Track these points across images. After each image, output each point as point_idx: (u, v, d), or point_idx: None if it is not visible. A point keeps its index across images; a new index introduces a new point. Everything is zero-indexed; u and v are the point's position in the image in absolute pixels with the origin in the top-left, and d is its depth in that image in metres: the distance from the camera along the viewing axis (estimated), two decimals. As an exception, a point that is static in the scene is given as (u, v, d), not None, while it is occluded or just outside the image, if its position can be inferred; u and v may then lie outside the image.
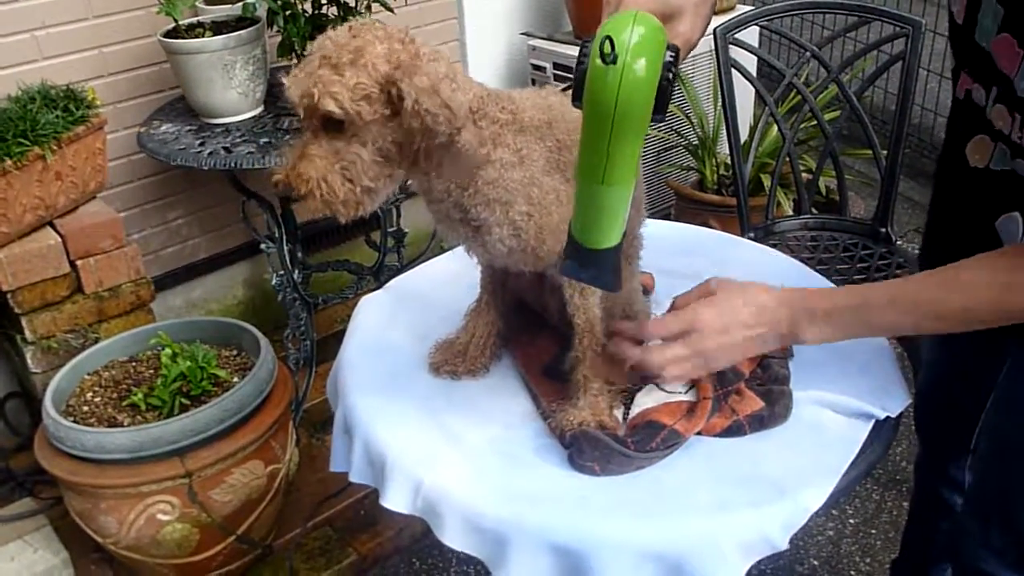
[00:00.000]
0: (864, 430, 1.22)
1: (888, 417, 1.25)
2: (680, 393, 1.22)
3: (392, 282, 1.61)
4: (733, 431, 1.22)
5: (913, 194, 3.83)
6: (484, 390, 1.33)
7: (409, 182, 1.17)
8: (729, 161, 3.22)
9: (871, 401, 1.25)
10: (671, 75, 0.92)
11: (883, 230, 2.40)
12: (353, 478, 1.26)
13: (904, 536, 1.86)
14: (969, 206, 1.21)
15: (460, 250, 1.66)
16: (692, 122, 3.19)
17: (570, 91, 0.99)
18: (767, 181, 2.80)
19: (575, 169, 1.02)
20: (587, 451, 1.15)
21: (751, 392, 1.25)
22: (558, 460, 1.19)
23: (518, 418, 1.27)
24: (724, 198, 3.04)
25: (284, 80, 1.06)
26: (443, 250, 3.13)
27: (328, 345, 2.89)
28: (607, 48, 0.86)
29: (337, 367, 1.42)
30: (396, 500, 1.17)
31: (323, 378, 2.75)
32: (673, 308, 1.23)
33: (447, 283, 1.58)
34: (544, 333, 1.41)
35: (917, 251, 3.33)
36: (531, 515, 1.09)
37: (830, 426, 1.23)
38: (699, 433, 1.21)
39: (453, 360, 1.35)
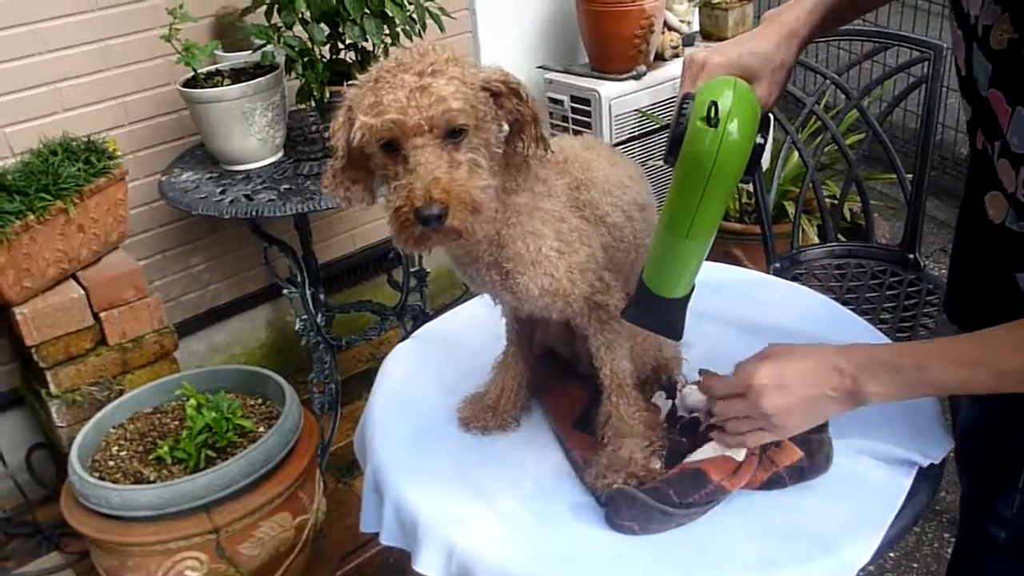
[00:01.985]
0: (907, 479, 1.19)
1: (932, 464, 1.21)
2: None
3: (420, 330, 1.60)
4: (773, 483, 1.18)
5: (937, 212, 3.78)
6: (515, 445, 1.31)
7: None
8: (752, 189, 3.20)
9: (912, 448, 1.22)
10: (762, 140, 0.98)
11: (911, 256, 2.36)
12: (384, 540, 1.23)
13: (949, 572, 1.81)
14: (990, 258, 1.18)
15: (487, 296, 1.66)
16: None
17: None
18: (791, 208, 2.77)
19: (660, 219, 1.04)
20: (624, 510, 1.12)
21: (790, 442, 1.21)
22: (594, 517, 1.16)
23: (551, 473, 1.24)
24: (747, 226, 3.01)
25: (353, 98, 1.02)
26: (467, 288, 3.12)
27: (351, 386, 2.88)
28: (712, 111, 0.92)
29: (365, 424, 1.40)
30: (429, 564, 1.14)
31: (348, 420, 2.75)
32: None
33: (475, 330, 1.56)
34: (574, 382, 1.39)
35: (943, 272, 3.29)
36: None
37: (872, 476, 1.20)
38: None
39: (483, 415, 1.32)
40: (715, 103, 0.93)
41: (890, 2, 1.37)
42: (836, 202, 2.65)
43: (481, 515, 1.17)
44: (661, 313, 1.10)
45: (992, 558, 1.62)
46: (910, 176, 2.33)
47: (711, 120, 0.93)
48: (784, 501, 1.17)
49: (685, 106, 0.99)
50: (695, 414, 1.26)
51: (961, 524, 1.72)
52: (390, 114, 0.97)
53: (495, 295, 1.21)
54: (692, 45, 3.28)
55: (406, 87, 0.97)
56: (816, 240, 2.88)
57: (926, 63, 2.25)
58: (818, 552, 1.08)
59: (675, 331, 1.12)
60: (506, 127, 1.08)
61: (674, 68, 3.12)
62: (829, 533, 1.11)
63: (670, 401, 1.29)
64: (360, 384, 2.93)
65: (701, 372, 1.32)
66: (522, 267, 1.12)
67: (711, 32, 3.33)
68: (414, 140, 0.98)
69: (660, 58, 3.13)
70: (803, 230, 2.83)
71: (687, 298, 1.10)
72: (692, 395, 1.28)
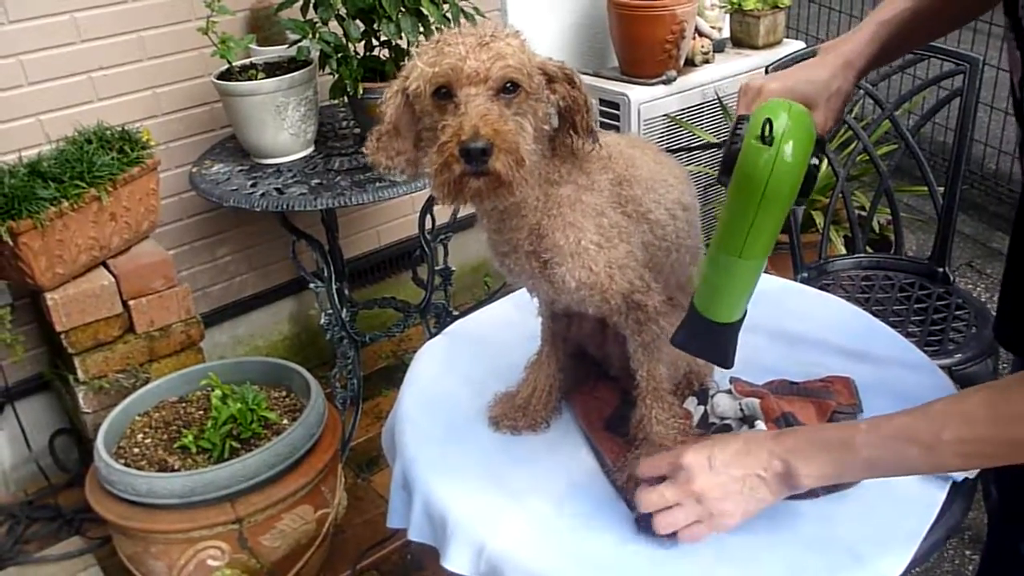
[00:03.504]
0: (941, 493, 1.17)
1: (966, 479, 1.20)
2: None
3: (451, 327, 1.60)
4: (805, 493, 1.18)
5: (964, 227, 3.75)
6: (545, 445, 1.31)
7: (483, 220, 1.16)
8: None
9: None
10: (817, 162, 0.98)
11: (940, 270, 2.34)
12: (412, 536, 1.24)
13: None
14: None
15: (517, 295, 1.66)
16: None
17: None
18: (819, 218, 2.76)
19: (713, 240, 1.04)
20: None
21: (822, 452, 1.21)
22: (624, 521, 1.15)
23: (582, 476, 1.24)
24: (773, 235, 3.00)
25: (417, 53, 1.04)
26: (487, 287, 3.12)
27: (372, 382, 2.89)
28: (766, 130, 0.92)
29: (394, 419, 1.40)
30: (458, 562, 1.14)
31: (368, 416, 2.76)
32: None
33: (505, 329, 1.56)
34: (604, 384, 1.39)
35: (971, 286, 3.26)
36: (603, 581, 1.06)
37: (904, 489, 1.18)
38: (770, 494, 1.17)
39: (513, 414, 1.32)
40: (770, 122, 0.93)
41: (944, 36, 1.37)
42: (864, 213, 2.64)
43: (511, 514, 1.17)
44: (712, 339, 1.08)
45: (1020, 574, 1.60)
46: (941, 189, 2.32)
47: (765, 139, 0.93)
48: (815, 511, 1.16)
49: (740, 127, 1.00)
50: (727, 421, 1.26)
51: (989, 539, 1.71)
52: (449, 60, 0.99)
53: (532, 286, 1.21)
54: (722, 51, 3.27)
55: (468, 44, 1.00)
56: (843, 251, 2.87)
57: (961, 76, 2.24)
58: (849, 562, 1.07)
59: (725, 358, 1.10)
60: (555, 119, 1.08)
61: (704, 74, 3.12)
62: (860, 544, 1.10)
63: (702, 407, 1.29)
64: (381, 380, 2.94)
65: (732, 380, 1.32)
66: (560, 258, 1.12)
67: (741, 39, 3.32)
68: (468, 89, 0.99)
69: (690, 63, 3.13)
70: (830, 240, 2.82)
71: (739, 324, 1.08)
72: (723, 402, 1.28)
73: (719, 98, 3.11)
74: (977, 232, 3.70)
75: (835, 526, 1.13)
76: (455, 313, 2.70)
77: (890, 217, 2.84)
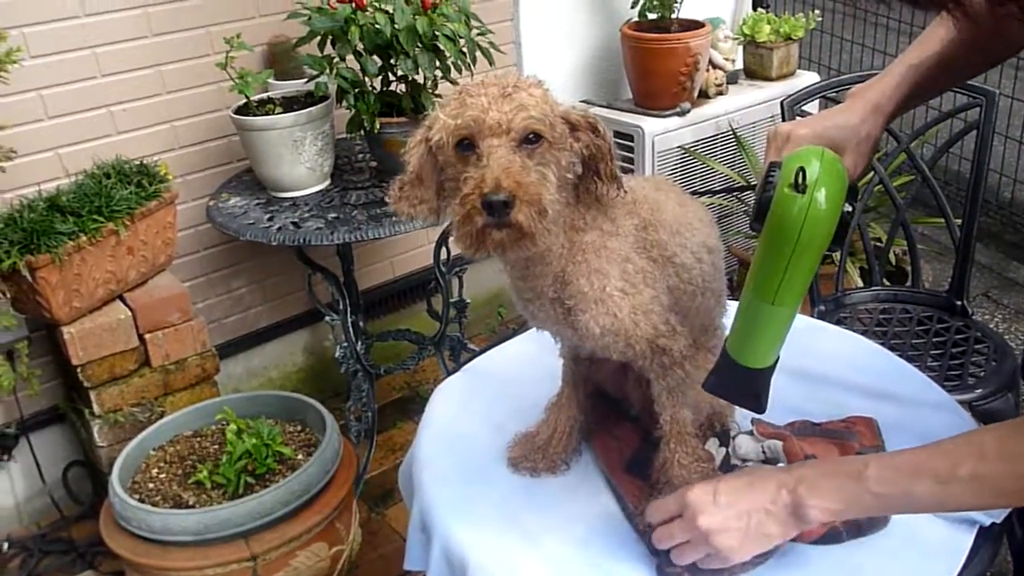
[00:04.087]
0: (967, 539, 1.15)
1: (993, 523, 1.18)
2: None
3: (469, 365, 1.59)
4: (830, 538, 1.16)
5: (980, 256, 3.73)
6: (565, 488, 1.29)
7: (507, 268, 1.16)
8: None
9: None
10: (850, 209, 0.98)
11: (959, 303, 2.32)
12: (431, 581, 1.23)
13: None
14: None
15: (535, 332, 1.65)
16: (752, 189, 3.15)
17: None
18: (835, 250, 2.75)
19: (746, 286, 1.04)
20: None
21: (847, 496, 1.19)
22: (645, 565, 1.14)
23: (601, 519, 1.23)
24: (789, 266, 2.98)
25: (438, 105, 1.05)
26: (501, 317, 3.11)
27: (386, 414, 2.88)
28: (799, 178, 0.93)
29: (412, 459, 1.39)
30: (478, 608, 1.13)
31: (382, 449, 2.75)
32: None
33: (523, 367, 1.56)
34: (624, 425, 1.38)
35: (988, 317, 3.23)
36: (625, 631, 1.04)
37: (930, 534, 1.17)
38: (794, 539, 1.15)
39: (532, 456, 1.31)
40: (803, 169, 0.93)
41: (970, 79, 1.37)
42: (880, 244, 2.62)
43: (530, 559, 1.15)
44: (744, 384, 1.08)
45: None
46: (958, 221, 2.31)
47: (799, 187, 0.93)
48: (840, 556, 1.14)
49: (772, 174, 1.00)
50: (749, 463, 1.25)
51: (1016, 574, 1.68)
52: (472, 112, 1.00)
53: (556, 333, 1.21)
54: (736, 83, 3.28)
55: (490, 95, 1.01)
56: (859, 282, 2.85)
57: (977, 109, 2.23)
58: (877, 612, 1.06)
59: (759, 404, 1.10)
60: (579, 167, 1.08)
61: (718, 106, 3.12)
62: (888, 592, 1.08)
63: (723, 449, 1.27)
64: (395, 412, 2.93)
65: (754, 422, 1.31)
66: (584, 305, 1.11)
67: (755, 71, 3.33)
68: (491, 140, 0.99)
69: (704, 95, 3.13)
70: (847, 272, 2.81)
71: (771, 369, 1.08)
72: (745, 444, 1.27)
73: (733, 130, 3.12)
74: (994, 262, 3.68)
75: (862, 573, 1.11)
76: (470, 345, 2.69)
77: (905, 248, 2.83)
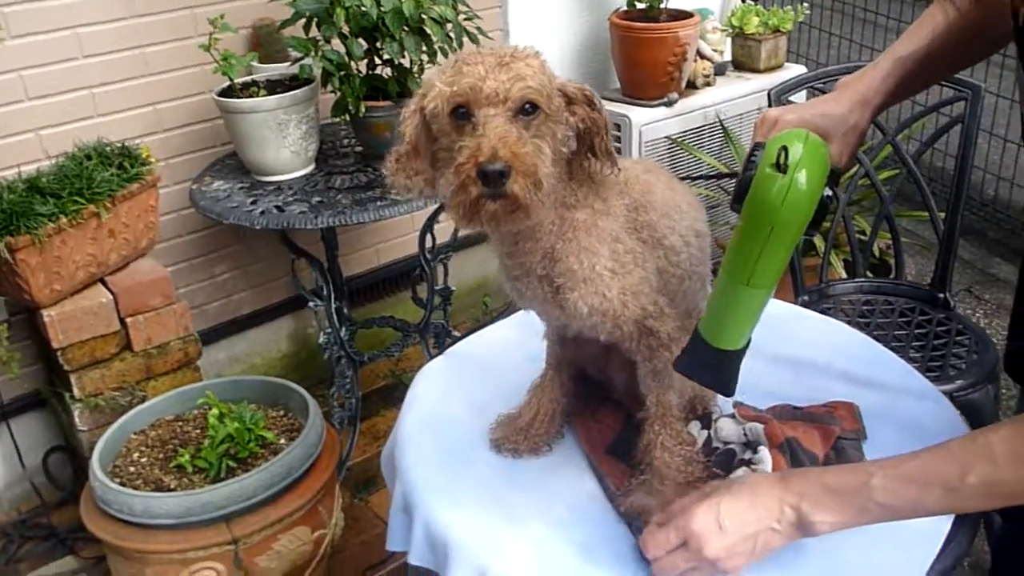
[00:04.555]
0: (946, 524, 1.16)
1: (971, 509, 1.19)
2: (763, 477, 1.16)
3: (452, 349, 1.59)
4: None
5: (963, 252, 3.75)
6: (547, 469, 1.29)
7: (496, 243, 1.15)
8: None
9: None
10: (830, 193, 0.98)
11: (941, 296, 2.34)
12: (413, 560, 1.22)
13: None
14: None
15: (518, 316, 1.65)
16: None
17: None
18: (819, 242, 2.76)
19: (722, 267, 1.03)
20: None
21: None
22: (627, 547, 1.14)
23: (584, 500, 1.23)
24: (773, 257, 2.99)
25: (434, 73, 1.03)
26: (486, 306, 3.11)
27: (369, 401, 2.87)
28: (781, 157, 0.92)
29: (395, 441, 1.39)
30: (460, 588, 1.12)
31: (366, 436, 2.74)
32: (669, 511, 1.09)
33: (506, 350, 1.56)
34: (606, 408, 1.38)
35: (970, 312, 3.25)
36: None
37: (910, 520, 1.17)
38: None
39: (515, 437, 1.31)
40: (785, 149, 0.93)
41: (959, 72, 1.38)
42: (864, 238, 2.64)
43: (513, 539, 1.15)
44: (714, 365, 1.07)
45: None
46: (941, 215, 2.32)
47: (780, 167, 0.93)
48: (821, 545, 1.13)
49: (755, 155, 1.00)
50: (730, 445, 1.25)
51: (994, 564, 1.69)
52: (468, 80, 0.98)
53: (543, 312, 1.20)
54: (723, 74, 3.29)
55: (487, 64, 0.99)
56: (843, 275, 2.86)
57: (963, 102, 2.24)
58: (857, 595, 1.06)
59: (727, 386, 1.09)
60: (573, 142, 1.07)
61: (705, 96, 3.12)
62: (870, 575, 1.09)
63: (705, 432, 1.27)
64: (378, 400, 2.92)
65: (735, 405, 1.31)
66: (573, 283, 1.10)
67: (743, 62, 3.33)
68: (487, 109, 0.98)
69: (692, 86, 3.14)
70: (831, 264, 2.82)
71: (742, 352, 1.07)
72: (727, 427, 1.27)
73: (720, 121, 3.12)
74: (976, 258, 3.70)
75: (842, 560, 1.11)
76: (455, 333, 2.69)
77: (889, 241, 2.85)
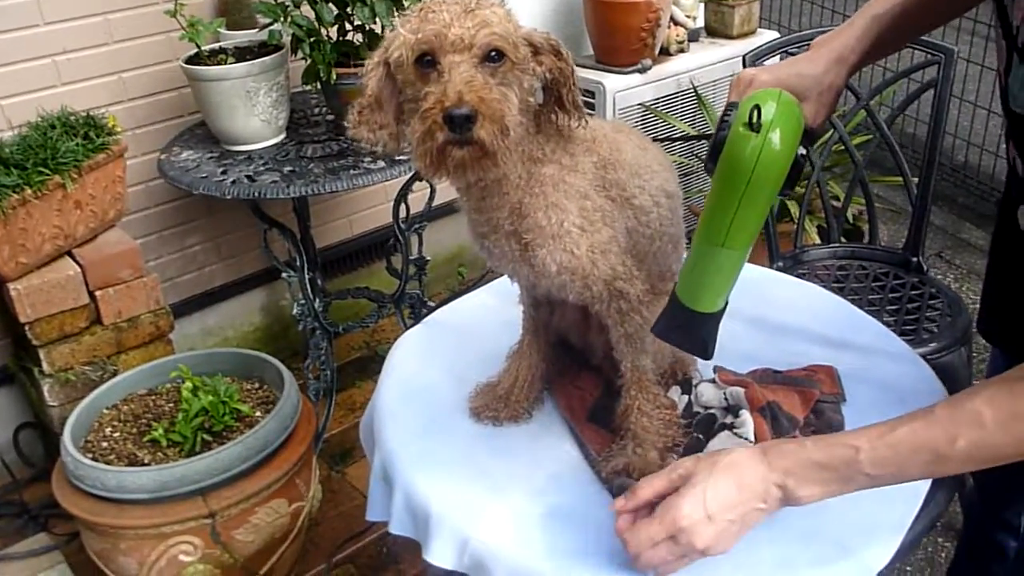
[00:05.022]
0: (924, 484, 1.17)
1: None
2: (748, 442, 1.16)
3: (429, 317, 1.57)
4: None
5: (934, 218, 3.78)
6: (527, 436, 1.28)
7: (463, 198, 1.14)
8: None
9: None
10: (805, 152, 0.97)
11: (914, 259, 2.35)
12: (393, 530, 1.21)
13: (950, 572, 1.81)
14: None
15: (496, 284, 1.64)
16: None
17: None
18: (793, 208, 2.76)
19: (698, 229, 1.01)
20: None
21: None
22: (609, 513, 1.13)
23: (565, 467, 1.22)
24: (748, 224, 3.00)
25: (399, 22, 1.01)
26: (461, 277, 3.09)
27: (345, 373, 2.85)
28: (754, 116, 0.91)
29: (373, 410, 1.37)
30: (441, 556, 1.12)
31: (341, 408, 2.72)
32: (635, 495, 1.04)
33: (484, 318, 1.54)
34: (586, 374, 1.37)
35: (940, 276, 3.28)
36: (592, 573, 1.04)
37: (891, 477, 1.18)
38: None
39: (495, 405, 1.30)
40: (758, 108, 0.92)
41: (935, 29, 1.36)
42: (838, 204, 2.64)
43: (495, 507, 1.15)
44: (692, 329, 1.07)
45: (996, 564, 1.62)
46: (915, 180, 2.33)
47: (753, 126, 0.92)
48: (801, 500, 1.15)
49: (728, 115, 0.98)
50: (711, 410, 1.25)
51: (966, 529, 1.72)
52: (433, 27, 0.96)
53: (512, 271, 1.18)
54: (697, 40, 3.27)
55: (452, 12, 0.98)
56: (817, 240, 2.87)
57: (936, 66, 2.24)
58: (837, 554, 1.07)
59: (704, 349, 1.08)
60: (540, 94, 1.05)
61: (679, 63, 3.10)
62: (848, 535, 1.09)
63: (686, 397, 1.27)
64: (354, 372, 2.91)
65: (716, 369, 1.31)
66: (542, 240, 1.09)
67: (716, 28, 3.31)
68: (452, 56, 0.96)
69: (665, 53, 3.12)
70: (805, 230, 2.83)
71: (720, 314, 1.07)
72: (707, 391, 1.27)
73: (694, 87, 3.11)
74: (947, 223, 3.73)
75: (822, 518, 1.11)
76: (430, 303, 2.67)
77: (861, 207, 2.86)
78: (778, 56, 2.55)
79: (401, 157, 2.12)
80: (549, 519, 1.13)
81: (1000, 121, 3.39)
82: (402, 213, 2.49)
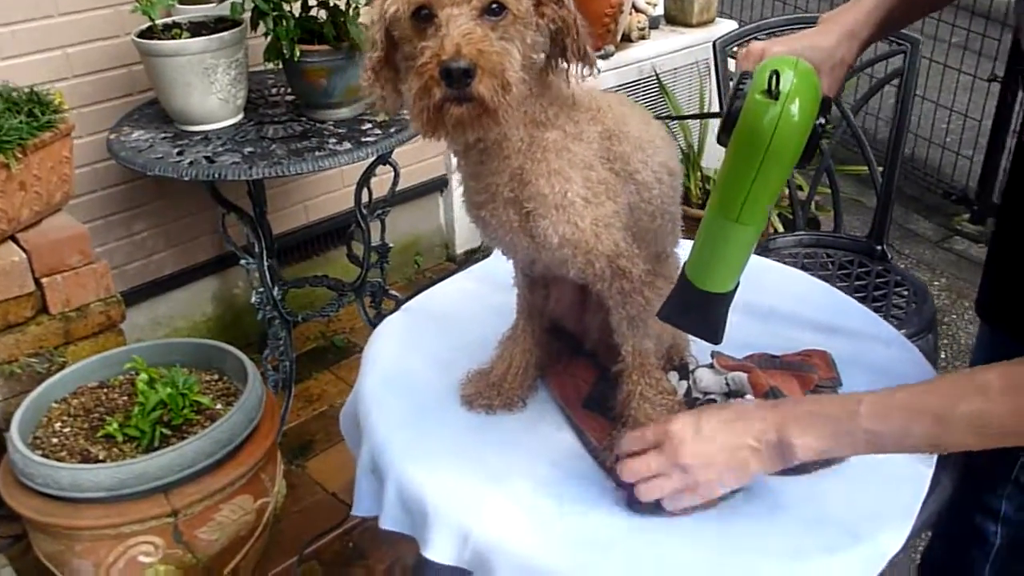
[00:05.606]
0: (930, 464, 1.16)
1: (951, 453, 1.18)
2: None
3: (409, 303, 1.51)
4: (797, 468, 1.13)
5: (915, 225, 3.81)
6: (523, 425, 1.24)
7: (461, 163, 1.08)
8: (713, 176, 3.19)
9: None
10: (823, 122, 0.92)
11: (879, 247, 2.37)
12: (385, 525, 1.15)
13: (926, 555, 1.81)
14: None
15: (476, 269, 1.58)
16: (674, 135, 3.14)
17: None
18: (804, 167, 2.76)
19: (709, 204, 0.97)
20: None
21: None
22: (615, 501, 1.10)
23: (565, 456, 1.18)
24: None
25: None
26: (418, 266, 3.02)
27: (302, 364, 2.76)
28: (772, 83, 0.87)
29: (357, 400, 1.31)
30: (442, 551, 1.06)
31: (300, 399, 2.63)
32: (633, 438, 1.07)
33: (466, 303, 1.49)
34: (579, 361, 1.33)
35: (904, 265, 3.32)
36: (603, 564, 1.00)
37: (893, 464, 1.15)
38: (763, 471, 1.13)
39: (487, 392, 1.25)
40: (777, 75, 0.88)
41: (942, 8, 1.36)
42: (803, 193, 2.65)
43: (494, 499, 1.09)
44: (701, 310, 1.03)
45: (976, 548, 1.61)
46: (881, 169, 2.34)
47: (772, 93, 0.88)
48: (807, 487, 1.12)
49: (743, 84, 0.93)
50: (711, 395, 1.22)
51: (946, 512, 1.71)
52: None
53: (510, 243, 1.11)
54: (657, 28, 3.25)
55: None
56: (780, 228, 2.88)
57: (903, 55, 2.26)
58: (849, 541, 1.04)
59: (715, 332, 1.05)
60: (546, 45, 1.00)
61: (640, 50, 3.08)
62: (858, 521, 1.07)
63: (684, 383, 1.24)
64: (310, 363, 2.82)
65: (714, 355, 1.28)
66: (544, 209, 1.04)
67: (676, 16, 3.31)
68: (450, 8, 0.91)
69: (627, 39, 3.09)
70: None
71: (730, 295, 1.03)
72: (707, 377, 1.24)
73: (656, 74, 3.09)
74: (896, 214, 3.77)
75: (828, 505, 1.10)
76: (392, 292, 2.60)
77: (819, 197, 2.88)
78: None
79: (371, 137, 2.05)
80: (552, 509, 1.09)
81: (947, 115, 3.44)
82: (364, 198, 2.41)
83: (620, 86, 3.02)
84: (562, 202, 1.03)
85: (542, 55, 1.01)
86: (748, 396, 1.16)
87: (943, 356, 2.84)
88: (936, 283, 3.35)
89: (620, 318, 1.14)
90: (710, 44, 2.40)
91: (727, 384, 1.21)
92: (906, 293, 2.21)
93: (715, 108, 3.03)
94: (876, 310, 2.15)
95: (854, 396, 0.97)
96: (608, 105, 1.11)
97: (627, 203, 1.10)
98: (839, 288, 2.20)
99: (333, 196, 2.89)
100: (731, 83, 1.11)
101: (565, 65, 1.01)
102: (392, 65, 1.01)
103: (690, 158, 3.11)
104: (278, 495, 1.94)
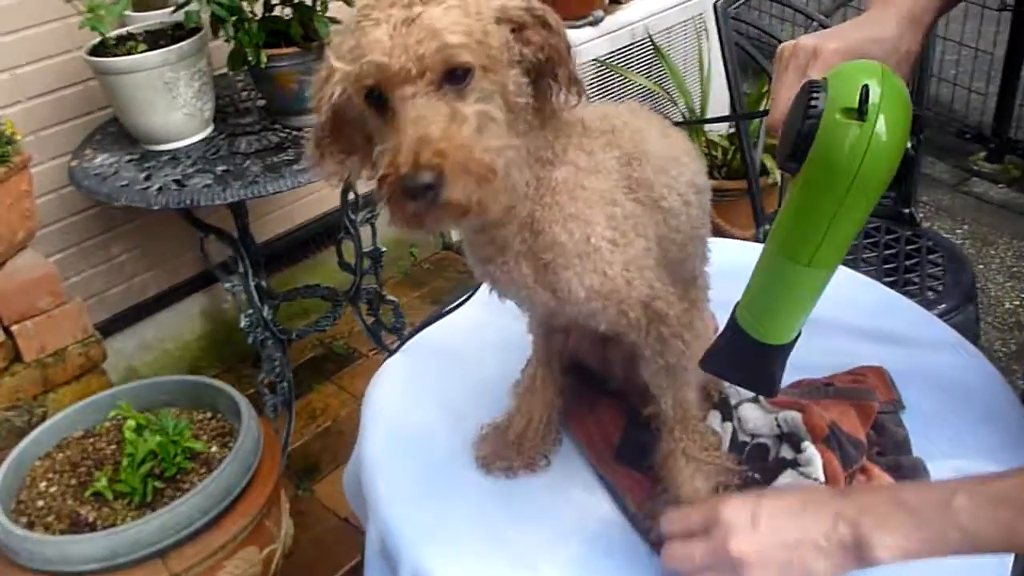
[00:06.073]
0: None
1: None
2: (817, 483, 0.99)
3: (410, 343, 1.36)
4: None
5: (929, 169, 3.62)
6: (548, 488, 1.09)
7: None
8: (717, 141, 3.01)
9: (1012, 464, 1.04)
10: (915, 143, 0.73)
11: (907, 211, 2.21)
12: (403, 621, 1.02)
13: None
14: None
15: (482, 293, 1.43)
16: (674, 100, 2.96)
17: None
18: (771, 163, 2.60)
19: (770, 242, 0.82)
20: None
21: (878, 469, 1.03)
22: (660, 579, 0.96)
23: (598, 524, 1.04)
24: (719, 182, 2.83)
25: (333, 45, 0.81)
26: (414, 257, 2.85)
27: (300, 376, 2.62)
28: (863, 98, 0.72)
29: (360, 465, 1.17)
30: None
31: (302, 416, 2.50)
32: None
33: (475, 336, 1.34)
34: (603, 402, 1.18)
35: (940, 231, 3.17)
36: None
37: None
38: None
39: (505, 453, 1.10)
40: (867, 88, 0.72)
41: None
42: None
43: (525, 588, 0.96)
44: (757, 363, 0.88)
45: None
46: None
47: (859, 112, 0.72)
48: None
49: (815, 97, 0.76)
50: (760, 439, 1.07)
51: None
52: (370, 56, 0.75)
53: (527, 299, 0.96)
54: (646, -13, 3.04)
55: (391, 21, 0.75)
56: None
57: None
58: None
59: (772, 386, 0.90)
60: (529, 88, 0.84)
61: (631, 12, 2.89)
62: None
63: (728, 424, 1.09)
64: (309, 374, 2.68)
65: None
66: (565, 260, 0.89)
67: (666, -28, 3.09)
68: (401, 90, 0.76)
69: (615, 1, 2.90)
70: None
71: (791, 345, 0.88)
72: (753, 416, 1.09)
73: (650, 36, 2.89)
74: (943, 172, 3.59)
75: (906, 566, 0.96)
76: (389, 297, 2.45)
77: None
78: None
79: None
80: (591, 596, 0.95)
81: (955, 48, 3.23)
82: (352, 202, 2.25)
83: (612, 53, 2.83)
84: (585, 249, 0.88)
85: (529, 90, 0.84)
86: (807, 444, 1.02)
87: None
88: (958, 231, 3.19)
89: (658, 368, 0.99)
90: None
91: (778, 426, 1.06)
92: (940, 261, 2.06)
93: (718, 71, 2.84)
94: (910, 283, 2.01)
95: (947, 485, 0.80)
96: (624, 123, 0.95)
97: (655, 235, 0.95)
98: (867, 259, 2.08)
99: (320, 196, 2.72)
100: (774, 87, 0.93)
101: (552, 89, 0.85)
102: (343, 136, 0.85)
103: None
104: (286, 537, 1.81)
